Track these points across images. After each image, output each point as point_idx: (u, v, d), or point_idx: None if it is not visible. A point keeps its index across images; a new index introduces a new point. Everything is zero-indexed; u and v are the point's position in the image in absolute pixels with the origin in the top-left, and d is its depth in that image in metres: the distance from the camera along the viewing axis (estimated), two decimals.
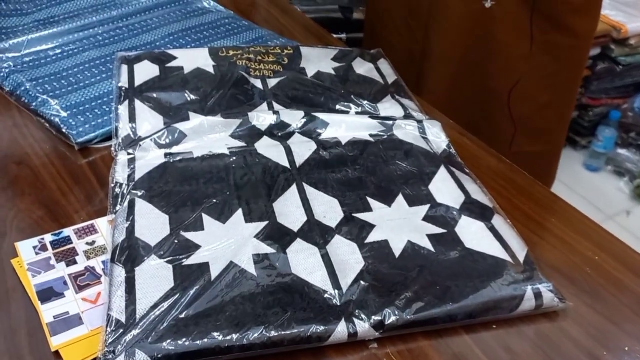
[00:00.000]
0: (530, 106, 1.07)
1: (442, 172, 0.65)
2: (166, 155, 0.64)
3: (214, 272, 0.48)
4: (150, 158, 0.63)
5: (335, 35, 1.37)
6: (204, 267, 0.49)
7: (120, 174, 0.61)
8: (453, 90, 1.07)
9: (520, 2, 0.97)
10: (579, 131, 1.97)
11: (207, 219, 0.55)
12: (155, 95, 0.72)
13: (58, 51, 0.81)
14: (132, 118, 0.69)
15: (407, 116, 0.75)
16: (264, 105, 0.74)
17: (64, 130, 0.66)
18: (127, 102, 0.71)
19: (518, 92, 1.05)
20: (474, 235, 0.55)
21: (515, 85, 1.04)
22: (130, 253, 0.50)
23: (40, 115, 0.69)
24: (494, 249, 0.54)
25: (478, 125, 1.02)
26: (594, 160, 1.93)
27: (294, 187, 0.61)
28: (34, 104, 0.70)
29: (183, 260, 0.50)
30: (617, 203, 1.82)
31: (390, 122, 0.72)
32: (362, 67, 0.86)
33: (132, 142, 0.65)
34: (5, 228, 0.57)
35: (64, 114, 0.68)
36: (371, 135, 0.70)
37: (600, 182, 1.90)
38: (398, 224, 0.57)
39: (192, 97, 0.74)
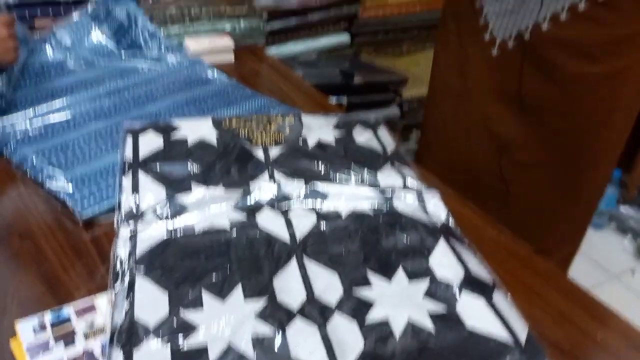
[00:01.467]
0: (524, 163, 1.06)
1: (442, 245, 0.65)
2: (168, 229, 0.64)
3: (212, 358, 0.48)
4: (151, 232, 0.64)
5: (336, 99, 1.42)
6: (202, 353, 0.48)
7: (121, 249, 0.61)
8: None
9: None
10: None
11: (206, 296, 0.55)
12: (158, 166, 0.74)
13: (65, 122, 0.83)
14: (135, 189, 0.70)
15: (406, 186, 0.76)
16: (265, 176, 0.75)
17: (69, 205, 0.67)
18: (130, 174, 0.72)
19: (512, 149, 1.05)
20: (474, 314, 0.55)
21: (506, 145, 1.05)
22: (128, 334, 0.50)
23: (46, 189, 0.70)
24: (495, 329, 0.53)
25: (472, 185, 1.04)
26: (596, 217, 1.93)
27: (294, 262, 0.61)
28: (40, 177, 0.72)
29: (181, 344, 0.49)
30: (622, 261, 1.81)
31: (390, 193, 0.73)
32: (362, 135, 0.87)
33: (134, 215, 0.66)
34: (6, 303, 0.57)
35: (69, 188, 0.69)
36: (371, 207, 0.71)
37: (603, 240, 1.89)
38: (399, 300, 0.57)
39: (195, 168, 0.75)
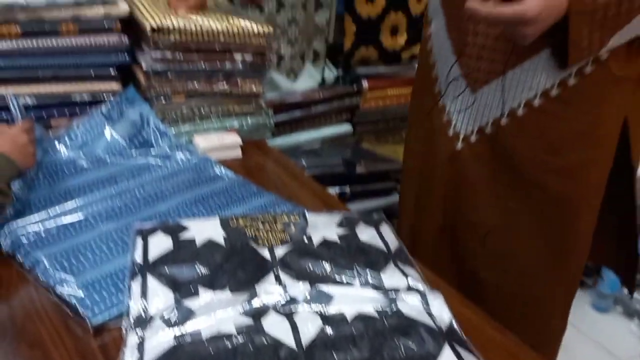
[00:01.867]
0: (502, 252, 1.07)
1: (447, 352, 0.66)
2: (175, 336, 0.65)
3: None
4: (159, 339, 0.64)
5: (338, 189, 1.45)
6: None
7: (129, 358, 0.62)
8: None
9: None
10: (584, 272, 1.97)
11: None
12: (167, 270, 0.76)
13: (77, 224, 0.86)
14: (144, 294, 0.71)
15: (410, 287, 0.77)
16: (271, 277, 0.77)
17: (80, 311, 0.69)
18: (139, 278, 0.74)
19: (488, 238, 1.06)
20: None
21: (481, 233, 1.06)
22: None
23: (57, 294, 0.72)
24: None
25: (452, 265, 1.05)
26: (602, 301, 1.92)
27: None
28: (51, 281, 0.73)
29: None
30: (630, 346, 1.77)
31: (394, 294, 0.74)
32: (366, 233, 0.90)
33: (143, 321, 0.67)
34: None
35: (80, 294, 0.71)
36: (376, 310, 0.72)
37: (610, 324, 1.87)
38: None
39: (203, 270, 0.77)
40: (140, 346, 0.64)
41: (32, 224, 0.84)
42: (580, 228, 1.03)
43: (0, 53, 1.04)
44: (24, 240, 0.80)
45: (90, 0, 1.07)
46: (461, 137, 1.04)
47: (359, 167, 1.45)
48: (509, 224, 1.04)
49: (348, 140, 1.71)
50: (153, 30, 1.07)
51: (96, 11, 1.08)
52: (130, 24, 1.16)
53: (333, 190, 1.41)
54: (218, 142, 1.14)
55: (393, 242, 0.88)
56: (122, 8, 1.12)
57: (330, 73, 1.70)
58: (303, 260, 0.81)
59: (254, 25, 1.16)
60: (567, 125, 0.95)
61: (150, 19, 1.08)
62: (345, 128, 1.68)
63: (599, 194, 1.01)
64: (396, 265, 0.82)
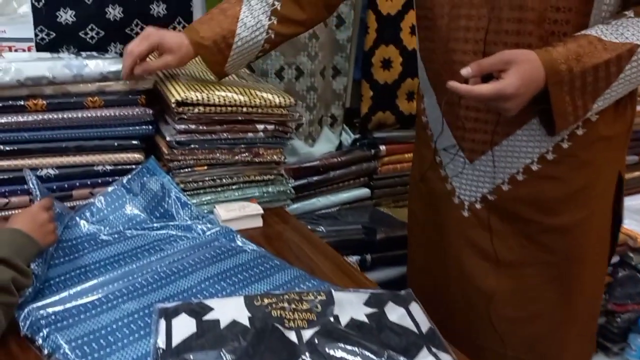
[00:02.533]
0: (514, 317, 1.07)
1: None
2: None
3: None
4: None
5: (359, 257, 1.42)
6: None
7: None
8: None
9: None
10: (609, 337, 1.91)
11: None
12: (191, 357, 0.72)
13: (98, 303, 0.83)
14: None
15: None
16: None
17: None
18: None
19: (499, 304, 1.06)
20: None
21: (490, 299, 1.06)
22: None
23: None
24: None
25: (463, 335, 1.03)
26: None
27: None
28: None
29: None
30: None
31: None
32: (395, 313, 0.86)
33: None
34: None
35: None
36: None
37: None
38: None
39: (229, 357, 0.73)
40: None
41: (51, 305, 0.81)
42: (588, 282, 1.05)
43: (25, 126, 1.04)
44: (43, 323, 0.77)
45: (116, 74, 1.08)
46: (466, 205, 1.05)
47: (378, 234, 1.42)
48: (518, 287, 1.05)
49: (366, 203, 1.70)
50: (178, 104, 1.07)
51: (122, 85, 1.10)
52: (153, 93, 1.17)
53: (354, 258, 1.38)
54: (239, 212, 1.13)
55: (424, 323, 0.85)
56: (147, 82, 1.13)
57: (348, 137, 1.70)
58: (331, 344, 0.78)
59: (276, 97, 1.17)
60: (566, 186, 0.99)
61: (175, 92, 1.09)
62: (363, 192, 1.66)
63: (604, 245, 1.06)
64: (430, 351, 0.78)
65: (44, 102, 1.05)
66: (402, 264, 1.48)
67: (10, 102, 1.02)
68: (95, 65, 1.07)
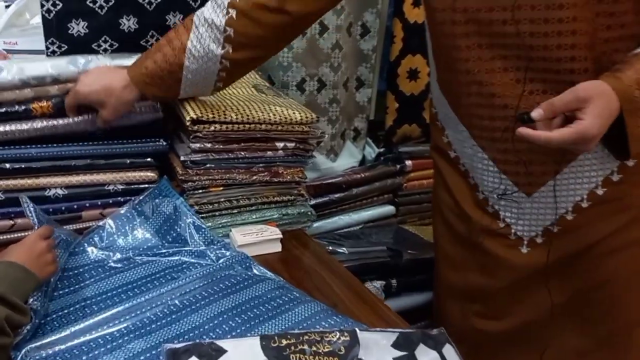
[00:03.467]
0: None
1: None
2: None
3: None
4: None
5: (384, 282, 1.34)
6: None
7: None
8: None
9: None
10: None
11: None
12: None
13: (102, 342, 0.76)
14: None
15: None
16: None
17: None
18: None
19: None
20: None
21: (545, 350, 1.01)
22: None
23: None
24: None
25: None
26: None
27: None
28: None
29: None
30: None
31: None
32: (426, 357, 0.78)
33: None
34: None
35: None
36: None
37: None
38: None
39: None
40: None
41: (51, 345, 0.74)
42: None
43: (30, 134, 0.99)
44: None
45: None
46: (526, 241, 0.97)
47: (404, 256, 1.33)
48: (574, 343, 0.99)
49: (390, 222, 1.61)
50: (193, 122, 1.01)
51: None
52: (167, 110, 1.11)
53: (378, 284, 1.29)
54: (257, 236, 1.06)
55: None
56: None
57: (371, 151, 1.62)
58: None
59: (297, 113, 1.10)
60: (635, 204, 0.93)
61: (190, 110, 1.03)
62: (387, 210, 1.58)
63: None
64: None
65: (49, 102, 0.99)
66: (429, 289, 1.40)
67: (16, 106, 0.97)
68: (101, 61, 1.03)
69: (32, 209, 0.87)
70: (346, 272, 1.07)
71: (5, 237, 1.00)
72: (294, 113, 1.10)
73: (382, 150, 1.62)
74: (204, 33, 0.95)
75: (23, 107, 0.98)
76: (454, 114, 0.99)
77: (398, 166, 1.58)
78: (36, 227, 0.85)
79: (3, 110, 0.97)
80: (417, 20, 1.52)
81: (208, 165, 1.06)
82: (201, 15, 0.96)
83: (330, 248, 1.33)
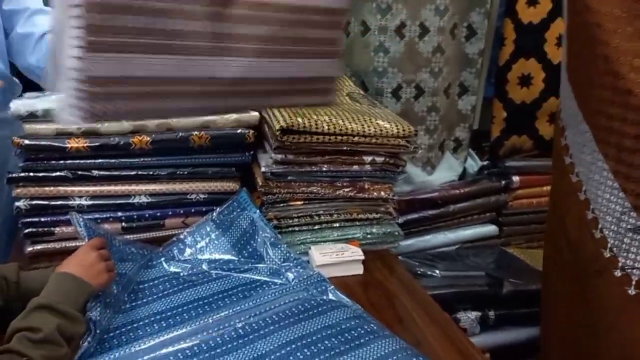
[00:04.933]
0: None
1: None
2: None
3: None
4: None
5: (480, 314, 1.20)
6: None
7: None
8: None
9: None
10: None
11: None
12: None
13: None
14: None
15: None
16: None
17: None
18: None
19: None
20: None
21: None
22: None
23: None
24: None
25: None
26: None
27: None
28: None
29: None
30: None
31: None
32: None
33: None
34: None
35: None
36: None
37: None
38: None
39: None
40: None
41: None
42: None
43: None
44: None
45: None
46: (634, 280, 0.81)
47: (505, 286, 1.19)
48: None
49: (491, 242, 1.46)
50: (283, 131, 0.96)
51: (227, 118, 1.02)
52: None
53: (473, 315, 1.16)
54: (337, 256, 0.98)
55: None
56: (253, 115, 1.05)
57: (474, 164, 1.48)
58: None
59: (394, 125, 1.01)
60: None
61: (281, 118, 0.97)
62: (489, 229, 1.43)
63: None
64: None
65: (149, 138, 0.98)
66: (533, 324, 1.23)
67: (117, 138, 0.97)
68: None
69: (80, 222, 0.86)
70: (434, 303, 0.95)
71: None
72: (390, 125, 1.01)
73: (486, 163, 1.48)
74: None
75: (123, 141, 0.97)
76: (579, 110, 0.84)
77: (503, 182, 1.43)
78: (86, 240, 0.84)
79: (100, 142, 0.96)
80: (532, 21, 1.36)
81: (289, 178, 1.00)
82: None
83: (421, 270, 1.22)
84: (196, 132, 1.00)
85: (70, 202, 0.99)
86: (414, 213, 1.34)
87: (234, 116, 1.02)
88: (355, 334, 0.82)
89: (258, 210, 1.01)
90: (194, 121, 1.00)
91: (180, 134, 0.99)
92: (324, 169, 1.01)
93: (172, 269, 0.95)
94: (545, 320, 1.03)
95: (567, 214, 0.90)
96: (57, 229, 0.99)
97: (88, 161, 0.98)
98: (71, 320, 0.70)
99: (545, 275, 1.02)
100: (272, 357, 0.76)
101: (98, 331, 0.75)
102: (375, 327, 0.83)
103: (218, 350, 0.77)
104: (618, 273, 0.81)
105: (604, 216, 0.83)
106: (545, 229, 1.06)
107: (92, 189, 1.00)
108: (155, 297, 0.88)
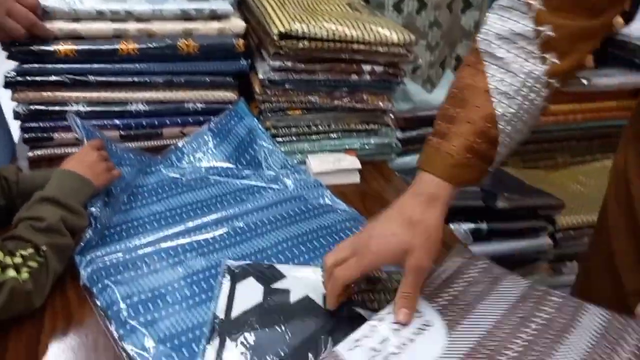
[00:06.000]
0: None
1: None
2: None
3: None
4: None
5: (473, 225, 1.23)
6: None
7: None
8: None
9: None
10: None
11: None
12: (251, 336, 0.62)
13: (165, 256, 0.76)
14: None
15: None
16: None
17: None
18: (217, 342, 0.61)
19: None
20: None
21: None
22: None
23: (125, 350, 0.61)
24: None
25: None
26: None
27: None
28: (122, 331, 0.63)
29: None
30: None
31: None
32: None
33: None
34: None
35: (147, 355, 0.60)
36: None
37: None
38: None
39: (291, 339, 0.62)
40: None
41: (114, 253, 0.75)
42: None
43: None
44: (103, 274, 0.71)
45: (200, 12, 0.98)
46: None
47: (501, 201, 1.21)
48: None
49: None
50: (281, 36, 0.94)
51: (209, 26, 1.00)
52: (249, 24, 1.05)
53: (466, 226, 1.19)
54: (334, 165, 0.99)
55: None
56: (238, 24, 1.02)
57: None
58: None
59: (394, 33, 0.99)
60: None
61: (278, 22, 0.95)
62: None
63: None
64: None
65: (135, 44, 0.97)
66: (525, 238, 1.26)
67: (103, 44, 0.96)
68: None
69: (79, 123, 0.86)
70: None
71: None
72: (390, 33, 0.99)
73: None
74: (509, 55, 0.61)
75: (108, 47, 0.96)
76: None
77: None
78: (85, 141, 0.84)
79: (87, 47, 0.95)
80: None
81: (287, 86, 0.99)
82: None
83: None
84: (183, 40, 0.98)
85: (67, 108, 0.98)
86: (412, 131, 1.33)
87: (215, 24, 1.00)
88: (350, 234, 0.84)
89: (256, 120, 1.01)
90: (173, 28, 0.99)
91: (167, 40, 0.98)
92: (323, 78, 1.00)
93: (171, 175, 0.96)
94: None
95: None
96: (56, 134, 0.99)
97: (84, 66, 0.96)
98: (74, 214, 0.72)
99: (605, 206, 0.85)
100: (269, 251, 0.79)
101: (99, 226, 0.77)
102: None
103: (216, 246, 0.79)
104: None
105: None
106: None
107: (89, 94, 0.99)
108: (154, 199, 0.90)
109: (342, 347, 0.57)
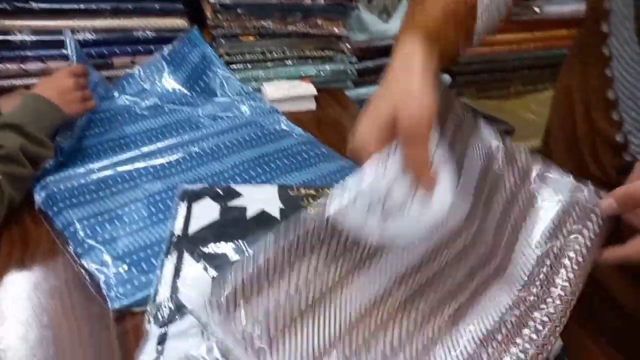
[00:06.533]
0: None
1: None
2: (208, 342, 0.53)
3: None
4: (187, 341, 0.53)
5: None
6: None
7: (145, 357, 0.52)
8: None
9: None
10: None
11: None
12: (208, 249, 0.64)
13: (120, 180, 0.76)
14: (177, 276, 0.60)
15: None
16: None
17: (102, 291, 0.59)
18: (175, 256, 0.63)
19: None
20: None
21: None
22: None
23: (83, 267, 0.63)
24: None
25: None
26: None
27: None
28: (79, 249, 0.64)
29: None
30: None
31: None
32: None
33: (170, 312, 0.56)
34: None
35: (106, 270, 0.61)
36: None
37: None
38: None
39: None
40: (162, 344, 0.53)
41: (70, 179, 0.75)
42: None
43: None
44: (58, 197, 0.71)
45: None
46: None
47: None
48: None
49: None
50: None
51: None
52: None
53: None
54: (289, 92, 1.00)
55: None
56: None
57: None
58: None
59: None
60: None
61: None
62: (442, 78, 1.45)
63: None
64: None
65: None
66: None
67: None
68: None
69: (73, 45, 0.83)
70: None
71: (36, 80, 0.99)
72: None
73: None
74: None
75: None
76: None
77: None
78: (74, 63, 0.81)
79: None
80: None
81: (239, 11, 0.98)
82: None
83: None
84: None
85: (11, 37, 0.95)
86: (368, 61, 1.33)
87: None
88: (306, 156, 0.86)
89: (209, 47, 1.00)
90: None
91: None
92: (275, 1, 0.99)
93: (125, 103, 0.95)
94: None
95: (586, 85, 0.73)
96: (1, 65, 0.96)
97: None
98: (37, 143, 0.70)
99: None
100: (225, 174, 0.80)
101: (62, 158, 0.77)
102: (325, 151, 0.87)
103: (172, 170, 0.80)
104: (627, 157, 0.67)
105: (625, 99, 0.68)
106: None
107: (33, 23, 0.95)
108: (108, 127, 0.89)
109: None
